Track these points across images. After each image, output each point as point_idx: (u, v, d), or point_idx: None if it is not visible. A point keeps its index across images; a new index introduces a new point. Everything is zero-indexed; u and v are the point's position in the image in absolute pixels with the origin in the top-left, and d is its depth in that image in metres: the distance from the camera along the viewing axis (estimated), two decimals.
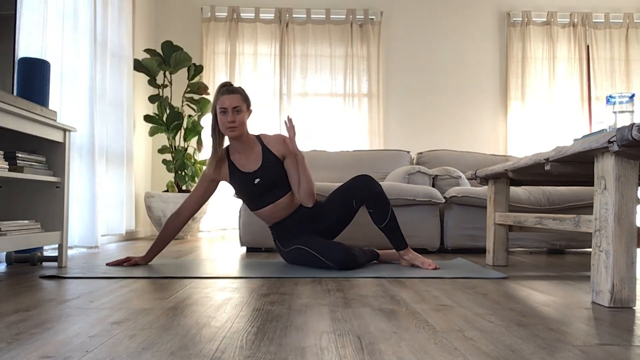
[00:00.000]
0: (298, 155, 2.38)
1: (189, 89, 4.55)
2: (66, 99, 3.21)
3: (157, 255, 2.52)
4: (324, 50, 5.19)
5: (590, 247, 3.25)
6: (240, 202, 3.39)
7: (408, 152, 4.24)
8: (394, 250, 2.54)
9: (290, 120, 2.36)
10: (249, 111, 2.41)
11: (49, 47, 2.95)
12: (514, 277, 2.16)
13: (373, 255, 2.56)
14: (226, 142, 2.48)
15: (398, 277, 2.11)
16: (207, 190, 2.49)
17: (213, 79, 5.09)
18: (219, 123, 2.34)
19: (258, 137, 2.48)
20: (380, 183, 3.34)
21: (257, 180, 2.40)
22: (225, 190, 4.90)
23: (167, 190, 4.57)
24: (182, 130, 4.61)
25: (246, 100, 2.39)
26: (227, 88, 2.35)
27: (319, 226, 2.50)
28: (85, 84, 3.44)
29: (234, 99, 2.31)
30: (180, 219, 2.47)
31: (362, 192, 2.41)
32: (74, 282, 1.95)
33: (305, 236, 2.45)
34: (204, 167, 2.51)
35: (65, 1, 3.21)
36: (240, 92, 2.36)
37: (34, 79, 2.45)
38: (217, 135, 2.40)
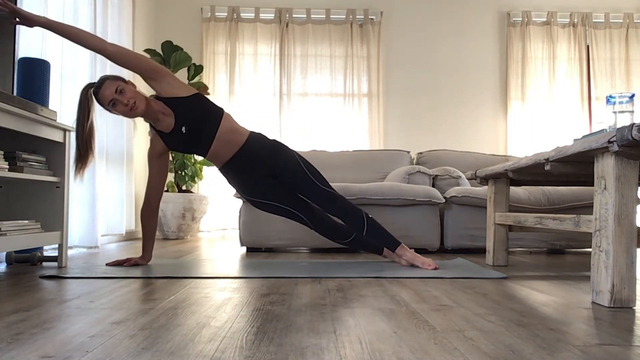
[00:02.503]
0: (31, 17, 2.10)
1: None
2: (66, 99, 3.21)
3: (152, 250, 2.51)
4: (324, 50, 5.19)
5: (590, 247, 3.25)
6: (240, 202, 3.39)
7: (408, 152, 4.24)
8: None
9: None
10: (130, 83, 2.31)
11: (49, 47, 2.95)
12: (514, 277, 2.16)
13: (376, 247, 2.59)
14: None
15: (398, 277, 2.11)
16: (160, 168, 2.43)
17: (213, 79, 5.09)
18: (122, 115, 2.26)
19: (153, 97, 2.38)
20: (378, 183, 3.34)
21: (183, 129, 2.31)
22: (225, 190, 4.90)
23: (167, 190, 4.57)
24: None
25: (117, 78, 2.28)
26: (94, 86, 2.26)
27: (273, 169, 2.43)
28: (85, 84, 3.43)
29: (108, 87, 2.22)
30: (152, 207, 2.44)
31: (326, 205, 2.40)
32: (74, 282, 1.95)
33: (281, 193, 2.46)
34: (202, 166, 2.48)
35: (65, 1, 3.21)
36: (106, 78, 2.26)
37: (34, 79, 2.45)
38: (89, 137, 2.28)
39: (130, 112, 2.24)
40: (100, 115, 3.67)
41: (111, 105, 2.24)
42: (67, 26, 2.18)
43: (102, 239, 3.81)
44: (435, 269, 2.30)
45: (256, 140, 2.44)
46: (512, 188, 3.33)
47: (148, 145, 4.99)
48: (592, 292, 1.62)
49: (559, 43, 5.26)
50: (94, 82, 2.29)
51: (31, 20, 2.11)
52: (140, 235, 4.67)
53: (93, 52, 3.50)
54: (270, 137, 2.56)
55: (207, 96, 4.61)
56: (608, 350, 1.07)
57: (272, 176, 2.47)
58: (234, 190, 3.29)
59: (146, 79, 2.30)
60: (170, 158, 4.70)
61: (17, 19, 2.10)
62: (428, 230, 3.27)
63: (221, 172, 2.51)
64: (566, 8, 5.32)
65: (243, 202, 3.29)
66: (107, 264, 2.41)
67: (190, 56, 4.45)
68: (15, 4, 2.35)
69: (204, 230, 5.03)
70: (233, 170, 2.46)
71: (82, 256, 2.93)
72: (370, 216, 2.42)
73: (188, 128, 2.31)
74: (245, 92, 5.10)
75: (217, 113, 2.36)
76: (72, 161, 2.31)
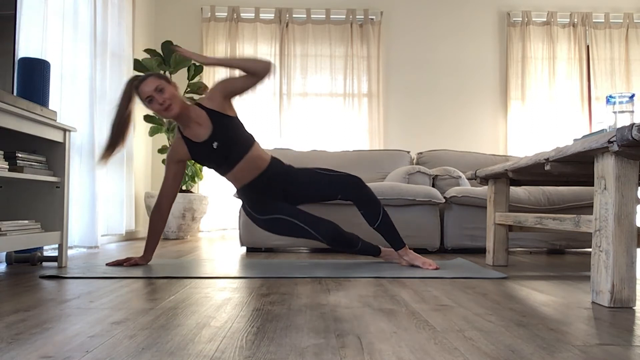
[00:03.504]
0: (195, 56, 2.30)
1: (189, 89, 4.55)
2: (66, 99, 3.21)
3: (154, 252, 2.51)
4: (324, 50, 5.19)
5: (590, 247, 3.25)
6: (240, 202, 3.38)
7: (408, 152, 4.24)
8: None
9: (177, 46, 2.31)
10: (173, 84, 2.33)
11: (49, 47, 2.95)
12: (514, 277, 2.16)
13: (374, 248, 2.55)
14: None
15: (398, 277, 2.11)
16: (177, 174, 2.44)
17: (213, 79, 5.09)
18: (155, 113, 2.29)
19: (197, 103, 2.39)
20: (379, 183, 3.34)
21: (215, 144, 2.33)
22: (225, 191, 4.91)
23: None
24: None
25: (161, 77, 2.30)
26: (137, 79, 2.29)
27: (289, 191, 2.47)
28: (85, 84, 3.44)
29: (149, 84, 2.25)
30: (162, 210, 2.45)
31: (350, 192, 2.40)
32: (74, 282, 1.95)
33: (285, 206, 2.42)
34: (167, 153, 2.47)
35: (65, 1, 3.21)
36: (152, 74, 2.30)
37: (34, 79, 2.45)
38: (122, 127, 2.33)
39: (163, 111, 2.26)
40: (100, 115, 3.68)
41: (148, 101, 2.28)
42: (234, 59, 2.35)
43: (102, 239, 3.81)
44: (436, 269, 2.30)
45: (276, 167, 2.49)
46: (512, 188, 3.33)
47: (148, 145, 5.01)
48: (592, 292, 1.62)
49: (559, 43, 5.26)
50: (140, 76, 2.34)
51: (207, 62, 2.33)
52: (140, 235, 4.68)
53: (93, 53, 3.50)
54: (286, 162, 2.60)
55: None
56: (608, 350, 1.07)
57: (285, 198, 2.50)
58: (234, 191, 3.29)
59: (233, 95, 2.39)
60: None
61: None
62: (428, 230, 3.27)
63: (238, 192, 2.54)
64: (566, 8, 5.32)
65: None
66: (107, 264, 2.41)
67: None
68: (15, 5, 2.35)
69: (204, 230, 5.03)
70: (250, 192, 2.48)
71: (82, 256, 2.93)
72: (385, 209, 2.44)
73: (219, 145, 2.34)
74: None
75: (249, 141, 2.42)
76: (102, 146, 2.38)
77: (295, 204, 2.53)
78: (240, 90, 2.37)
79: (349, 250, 2.42)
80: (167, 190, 2.45)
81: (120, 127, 2.33)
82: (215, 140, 2.33)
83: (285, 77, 5.15)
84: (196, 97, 4.67)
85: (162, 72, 4.55)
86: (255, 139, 2.47)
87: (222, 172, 2.45)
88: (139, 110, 4.71)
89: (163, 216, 2.46)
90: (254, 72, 2.30)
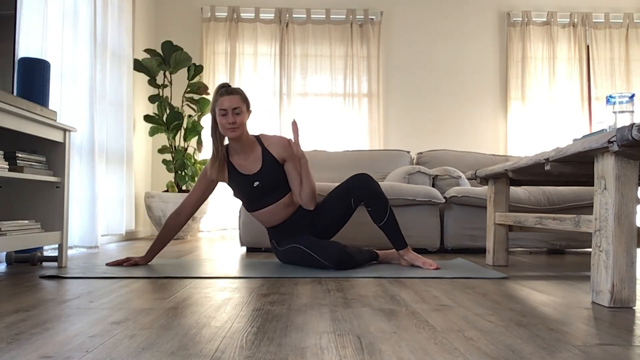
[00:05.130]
0: (302, 159, 2.37)
1: (189, 89, 4.55)
2: (66, 99, 3.21)
3: (157, 255, 2.52)
4: (324, 50, 5.19)
5: (590, 247, 3.25)
6: (240, 202, 3.39)
7: (408, 152, 4.24)
8: (394, 250, 2.55)
9: (295, 123, 2.35)
10: (249, 112, 2.40)
11: (49, 47, 2.95)
12: (514, 277, 2.16)
13: (372, 256, 2.55)
14: (225, 141, 2.48)
15: (398, 277, 2.11)
16: (206, 190, 2.49)
17: (213, 79, 5.09)
18: (219, 125, 2.33)
19: (258, 137, 2.47)
20: (379, 183, 3.34)
21: (256, 184, 2.40)
22: (225, 191, 4.90)
23: (167, 190, 4.57)
24: (182, 130, 4.61)
25: (245, 101, 2.38)
26: (226, 89, 2.34)
27: (317, 226, 2.50)
28: (85, 84, 3.44)
29: (233, 100, 2.31)
30: (180, 218, 2.47)
31: (360, 190, 2.41)
32: (74, 282, 1.95)
33: (300, 235, 2.45)
34: (204, 167, 2.49)
35: (65, 1, 3.21)
36: (239, 92, 2.36)
37: (34, 79, 2.45)
38: (217, 136, 2.39)
39: (227, 130, 2.32)
40: (100, 115, 3.68)
41: (221, 114, 2.31)
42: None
43: (102, 239, 3.81)
44: (437, 269, 2.30)
45: (304, 209, 2.51)
46: (512, 188, 3.33)
47: (148, 145, 5.01)
48: (592, 292, 1.62)
49: (559, 43, 5.26)
50: (227, 84, 2.39)
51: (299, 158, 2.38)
52: (140, 235, 4.68)
53: (93, 52, 3.50)
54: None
55: (207, 96, 4.62)
56: (608, 350, 1.07)
57: (316, 234, 2.52)
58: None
59: (285, 164, 2.45)
60: (170, 158, 4.71)
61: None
62: (428, 230, 3.27)
63: (267, 230, 2.59)
64: (566, 8, 5.32)
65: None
66: (107, 264, 2.41)
67: (190, 56, 4.46)
68: (15, 5, 2.35)
69: (204, 230, 5.03)
70: (278, 232, 2.53)
71: (82, 256, 2.93)
72: (392, 209, 2.45)
73: (260, 185, 2.40)
74: (245, 92, 5.09)
75: (286, 189, 2.45)
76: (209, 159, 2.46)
77: (326, 233, 2.54)
78: (286, 171, 2.43)
79: (355, 267, 2.38)
80: (190, 203, 2.48)
81: (217, 134, 2.39)
82: (258, 179, 2.39)
83: (285, 77, 5.15)
84: (196, 97, 4.67)
85: (163, 72, 4.56)
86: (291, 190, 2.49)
87: (251, 209, 2.50)
88: (139, 110, 4.71)
89: (179, 225, 2.49)
90: (303, 198, 2.41)
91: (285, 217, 2.49)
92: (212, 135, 2.40)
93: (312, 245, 2.33)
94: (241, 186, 2.43)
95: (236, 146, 2.40)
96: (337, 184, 2.56)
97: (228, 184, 2.47)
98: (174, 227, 2.47)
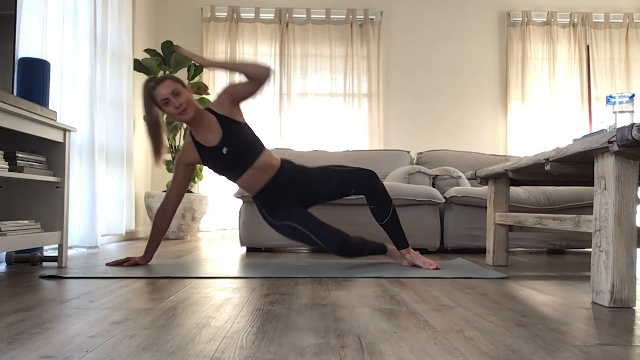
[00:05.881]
0: (210, 61, 2.31)
1: None
2: (66, 99, 3.21)
3: (155, 252, 2.52)
4: (324, 50, 5.19)
5: (590, 247, 3.25)
6: (240, 202, 3.39)
7: (408, 152, 4.24)
8: None
9: (179, 48, 2.32)
10: (188, 89, 2.34)
11: (49, 47, 2.95)
12: (514, 277, 2.16)
13: (380, 248, 2.53)
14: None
15: (398, 277, 2.11)
16: (185, 177, 2.46)
17: (213, 79, 5.09)
18: (169, 115, 2.30)
19: (208, 109, 2.41)
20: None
21: (225, 150, 2.34)
22: (225, 190, 4.91)
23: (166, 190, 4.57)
24: (182, 130, 4.61)
25: (177, 81, 2.32)
26: (154, 80, 2.31)
27: (305, 193, 2.47)
28: (85, 84, 3.44)
29: (167, 85, 2.26)
30: (167, 211, 2.46)
31: (365, 185, 2.40)
32: (74, 282, 1.95)
33: (297, 211, 2.40)
34: (177, 156, 2.47)
35: (65, 1, 3.21)
36: (168, 77, 2.32)
37: (34, 79, 2.45)
38: (155, 133, 2.38)
39: (178, 115, 2.28)
40: (100, 115, 3.68)
41: (163, 104, 2.29)
42: (236, 64, 2.37)
43: (102, 239, 3.81)
44: (437, 269, 2.30)
45: (287, 170, 2.48)
46: (512, 188, 3.33)
47: (147, 145, 5.00)
48: (592, 292, 1.62)
49: (559, 43, 5.26)
50: (154, 77, 2.36)
51: (208, 64, 2.32)
52: (140, 235, 4.68)
53: (93, 53, 3.50)
54: (298, 162, 2.58)
55: (207, 96, 4.62)
56: (608, 350, 1.07)
57: (302, 202, 2.49)
58: (234, 190, 3.30)
59: (241, 100, 2.39)
60: (170, 158, 4.71)
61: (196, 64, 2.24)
62: (428, 230, 3.27)
63: (253, 199, 2.53)
64: (566, 8, 5.32)
65: (243, 202, 3.29)
66: (107, 264, 2.41)
67: None
68: (15, 5, 2.35)
69: (204, 230, 5.03)
70: (265, 198, 2.48)
71: (82, 256, 2.93)
72: (395, 208, 2.44)
73: (229, 151, 2.35)
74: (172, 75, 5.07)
75: (259, 148, 2.42)
76: (150, 151, 2.43)
77: (313, 203, 2.52)
78: (244, 96, 2.38)
79: (357, 256, 2.40)
80: (173, 193, 2.46)
81: (155, 130, 2.38)
82: (225, 146, 2.35)
83: (285, 77, 5.15)
84: (196, 97, 4.67)
85: (162, 72, 4.56)
86: (265, 145, 2.47)
87: (233, 178, 2.46)
88: (139, 110, 4.71)
89: (167, 218, 2.47)
90: (254, 77, 2.31)
91: (268, 179, 2.43)
92: (149, 135, 2.37)
93: (314, 228, 2.31)
94: (214, 159, 2.39)
95: (195, 124, 2.35)
96: (343, 165, 2.52)
97: (204, 164, 2.44)
98: (163, 222, 2.46)
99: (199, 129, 2.37)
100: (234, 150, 2.36)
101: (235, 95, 2.38)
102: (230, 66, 2.35)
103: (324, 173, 2.50)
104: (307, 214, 2.40)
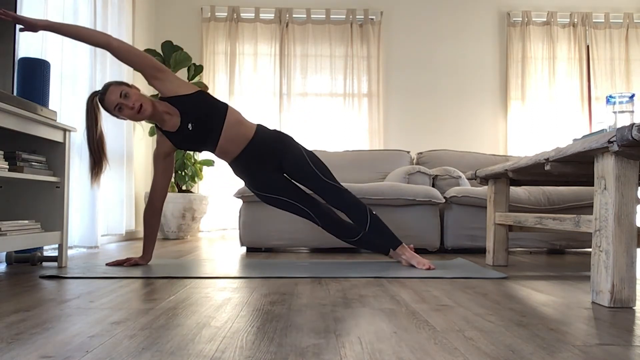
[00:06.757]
0: (36, 22, 2.11)
1: None
2: (66, 99, 3.21)
3: (153, 251, 2.52)
4: (324, 50, 5.19)
5: (590, 247, 3.25)
6: (240, 202, 3.39)
7: (408, 152, 4.24)
8: (403, 246, 2.52)
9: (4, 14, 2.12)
10: (133, 86, 2.31)
11: (49, 47, 2.95)
12: (514, 277, 2.16)
13: (381, 247, 2.55)
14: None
15: (398, 277, 2.11)
16: (165, 169, 2.45)
17: (213, 79, 5.09)
18: (128, 118, 2.28)
19: (159, 98, 2.39)
20: (379, 183, 3.34)
21: (190, 126, 2.32)
22: (225, 190, 4.90)
23: None
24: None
25: (122, 83, 2.29)
26: (99, 93, 2.27)
27: (286, 169, 2.50)
28: (85, 84, 3.44)
29: (113, 92, 2.23)
30: (155, 207, 2.45)
31: (336, 203, 2.48)
32: (74, 282, 1.95)
33: (287, 186, 2.51)
34: (154, 151, 2.46)
35: (65, 1, 3.21)
36: (110, 84, 2.27)
37: (34, 79, 2.45)
38: (99, 146, 2.32)
39: (137, 115, 2.25)
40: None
41: (117, 110, 2.25)
42: (70, 26, 2.21)
43: (102, 239, 3.81)
44: (429, 269, 2.29)
45: (263, 133, 2.48)
46: (512, 188, 3.33)
47: (148, 145, 5.01)
48: (592, 292, 1.62)
49: (559, 43, 5.26)
50: (99, 90, 2.30)
51: (34, 25, 2.12)
52: (140, 235, 4.67)
53: (93, 52, 3.50)
54: (271, 127, 2.59)
55: None
56: (608, 350, 1.07)
57: (279, 170, 2.52)
58: (234, 190, 3.30)
59: (149, 77, 2.30)
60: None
61: (22, 27, 2.12)
62: (428, 230, 3.27)
63: (231, 166, 2.54)
64: (566, 8, 5.32)
65: (243, 202, 3.29)
66: (107, 264, 2.41)
67: (190, 56, 4.45)
68: (15, 5, 2.35)
69: (204, 230, 5.03)
70: (242, 165, 2.48)
71: (82, 256, 2.93)
72: (374, 213, 2.45)
73: (194, 125, 2.33)
74: (245, 92, 5.10)
75: (222, 108, 2.38)
76: (88, 169, 2.34)
77: (288, 179, 2.58)
78: (135, 67, 2.27)
79: (347, 239, 2.52)
80: (157, 187, 2.45)
81: (97, 146, 2.30)
82: (188, 122, 2.32)
83: (285, 77, 5.15)
84: None
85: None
86: (230, 105, 2.44)
87: (211, 149, 2.44)
88: None
89: (156, 212, 2.46)
90: (89, 44, 2.23)
91: (246, 142, 2.42)
92: (92, 152, 2.29)
93: (308, 202, 2.49)
94: (185, 140, 2.37)
95: (157, 117, 2.33)
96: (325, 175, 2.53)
97: (179, 148, 2.43)
98: (153, 218, 2.45)
99: (162, 119, 2.34)
100: (197, 121, 2.33)
101: (144, 72, 2.28)
102: (61, 29, 2.17)
103: (302, 157, 2.50)
104: (297, 190, 2.52)
